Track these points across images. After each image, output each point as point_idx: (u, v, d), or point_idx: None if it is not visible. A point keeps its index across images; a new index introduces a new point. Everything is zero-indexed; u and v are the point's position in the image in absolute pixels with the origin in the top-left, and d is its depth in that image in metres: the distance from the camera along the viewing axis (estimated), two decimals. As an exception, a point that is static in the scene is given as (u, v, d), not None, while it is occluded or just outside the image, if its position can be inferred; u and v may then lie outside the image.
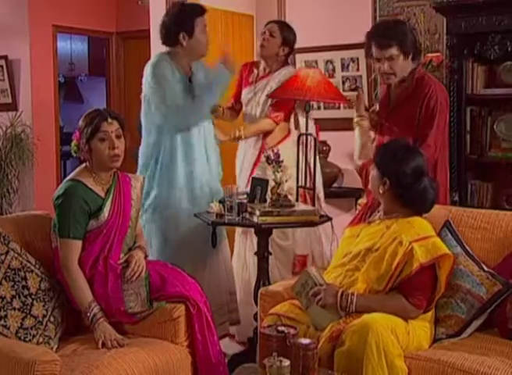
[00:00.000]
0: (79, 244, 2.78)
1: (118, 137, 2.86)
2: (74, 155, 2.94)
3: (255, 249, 3.72)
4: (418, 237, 2.64)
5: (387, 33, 3.30)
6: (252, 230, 3.94)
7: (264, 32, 4.07)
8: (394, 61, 3.29)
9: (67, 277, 2.78)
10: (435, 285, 2.65)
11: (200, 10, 3.62)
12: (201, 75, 3.73)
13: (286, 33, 4.06)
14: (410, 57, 3.32)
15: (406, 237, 2.63)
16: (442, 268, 2.65)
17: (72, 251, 2.77)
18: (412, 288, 2.62)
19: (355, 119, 3.46)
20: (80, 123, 2.87)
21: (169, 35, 3.60)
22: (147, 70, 3.62)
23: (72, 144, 2.92)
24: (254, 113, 4.14)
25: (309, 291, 2.70)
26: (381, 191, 2.77)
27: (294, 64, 4.92)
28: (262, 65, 4.17)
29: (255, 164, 4.10)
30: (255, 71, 4.17)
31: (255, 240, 4.02)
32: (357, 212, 3.17)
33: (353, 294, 2.63)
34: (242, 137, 4.01)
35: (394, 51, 3.27)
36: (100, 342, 2.68)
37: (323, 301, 2.63)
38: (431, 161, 3.18)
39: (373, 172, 2.82)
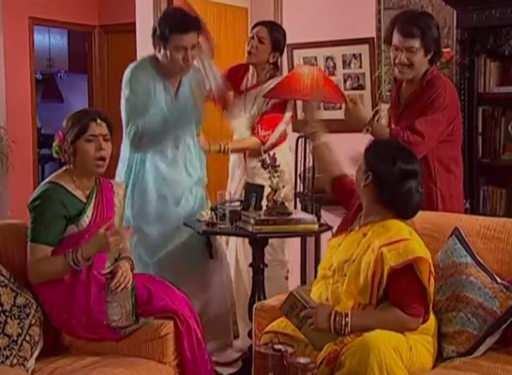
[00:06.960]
0: (48, 250, 2.78)
1: (106, 140, 2.89)
2: (55, 156, 2.96)
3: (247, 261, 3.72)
4: (389, 241, 2.63)
5: (413, 20, 3.29)
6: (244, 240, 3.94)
7: (253, 37, 4.03)
8: (413, 54, 3.29)
9: (37, 276, 2.77)
10: (425, 290, 2.62)
11: (180, 29, 3.48)
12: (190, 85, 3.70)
13: (276, 36, 4.05)
14: (429, 56, 3.31)
15: (378, 242, 2.64)
16: (422, 271, 2.61)
17: (40, 257, 2.76)
18: (403, 298, 2.60)
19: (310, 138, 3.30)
20: (65, 122, 2.89)
21: (152, 38, 3.59)
22: (124, 74, 3.61)
23: (55, 144, 2.93)
24: (243, 128, 4.16)
25: (299, 312, 2.69)
26: (362, 184, 2.78)
27: (292, 61, 4.93)
28: (251, 71, 4.16)
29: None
30: (246, 78, 4.17)
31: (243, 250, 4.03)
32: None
33: (346, 314, 2.60)
34: (228, 153, 4.06)
35: (416, 43, 3.27)
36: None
37: (315, 326, 2.61)
38: (420, 150, 3.13)
39: (361, 165, 2.83)
